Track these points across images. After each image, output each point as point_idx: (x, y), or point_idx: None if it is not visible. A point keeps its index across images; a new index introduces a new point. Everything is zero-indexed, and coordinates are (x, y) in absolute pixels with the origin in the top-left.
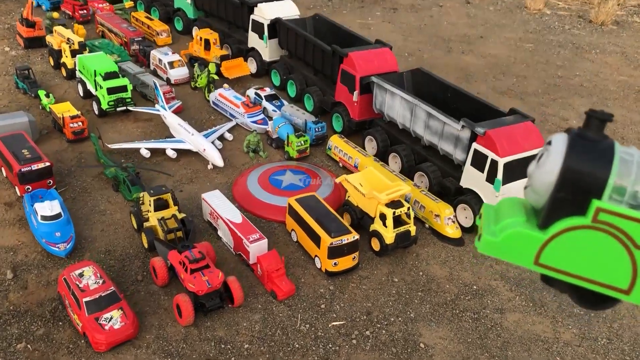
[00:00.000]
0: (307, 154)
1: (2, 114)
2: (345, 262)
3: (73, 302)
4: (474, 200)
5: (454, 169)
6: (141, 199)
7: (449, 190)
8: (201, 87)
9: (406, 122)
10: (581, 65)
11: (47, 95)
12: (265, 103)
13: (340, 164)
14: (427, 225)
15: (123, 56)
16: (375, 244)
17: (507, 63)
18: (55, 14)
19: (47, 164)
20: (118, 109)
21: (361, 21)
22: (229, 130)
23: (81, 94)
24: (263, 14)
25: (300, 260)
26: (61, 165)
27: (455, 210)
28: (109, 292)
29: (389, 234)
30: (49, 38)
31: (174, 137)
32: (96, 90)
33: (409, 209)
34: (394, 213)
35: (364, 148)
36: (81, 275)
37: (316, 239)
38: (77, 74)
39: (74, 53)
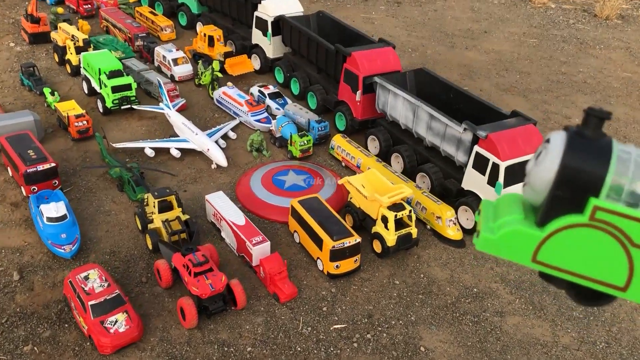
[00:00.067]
0: (310, 154)
1: (7, 113)
2: (347, 264)
3: (79, 305)
4: (475, 202)
5: (456, 171)
6: (145, 200)
7: (451, 191)
8: (205, 85)
9: (408, 122)
10: (585, 61)
11: (52, 93)
12: (268, 101)
13: (343, 164)
14: (428, 227)
15: (127, 52)
16: (377, 246)
17: (511, 59)
18: (60, 9)
19: (53, 164)
20: (122, 108)
21: (365, 15)
22: (233, 129)
23: (86, 92)
24: (267, 11)
25: (303, 262)
26: (66, 165)
27: (456, 212)
28: (113, 295)
29: (391, 237)
30: (53, 34)
31: (178, 136)
32: (101, 88)
33: (410, 211)
34: (395, 216)
35: (366, 147)
36: (86, 278)
37: (318, 242)
38: (82, 71)
39: (78, 50)
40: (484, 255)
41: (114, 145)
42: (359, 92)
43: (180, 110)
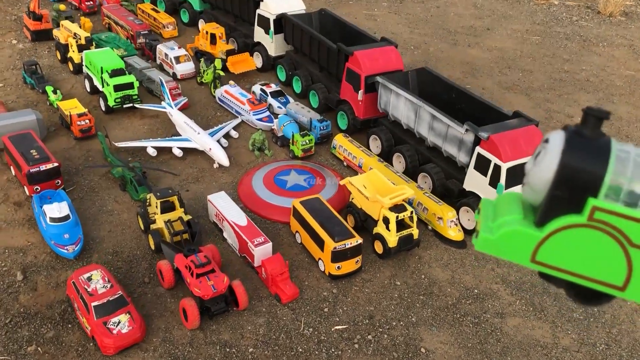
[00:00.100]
0: (312, 153)
1: (10, 112)
2: (349, 265)
3: (82, 305)
4: (477, 203)
5: (458, 171)
6: (148, 200)
7: (452, 192)
8: (207, 83)
9: (410, 122)
10: (588, 59)
11: (55, 92)
12: (270, 99)
13: (345, 163)
14: (430, 227)
15: (129, 50)
16: (378, 247)
17: (513, 57)
18: (62, 6)
19: (56, 164)
20: (125, 106)
21: (367, 12)
22: (235, 128)
23: (88, 90)
24: (269, 8)
25: (304, 262)
26: (69, 164)
27: (458, 213)
28: (116, 296)
29: (392, 238)
30: (55, 32)
31: (180, 134)
32: (103, 86)
33: (412, 212)
34: (397, 217)
35: (368, 147)
36: (89, 279)
37: (320, 243)
38: (84, 69)
39: (80, 48)
40: (485, 256)
41: (116, 144)
42: (361, 92)
43: (183, 109)
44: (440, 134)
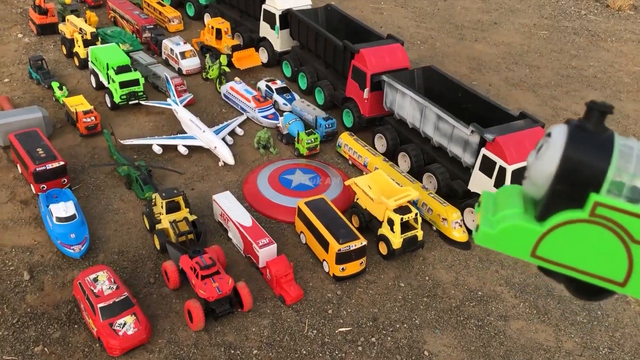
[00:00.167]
0: (317, 151)
1: (16, 108)
2: (353, 267)
3: (88, 306)
4: None
5: (463, 172)
6: (153, 200)
7: (457, 193)
8: (212, 79)
9: (416, 122)
10: (596, 55)
11: (61, 88)
12: (276, 96)
13: (350, 162)
14: (434, 228)
15: (135, 45)
16: (383, 248)
17: (521, 52)
18: (68, 0)
19: (62, 163)
20: (130, 103)
21: (373, 5)
22: (240, 125)
23: (94, 85)
24: (275, 4)
25: (309, 263)
26: (75, 161)
27: (462, 214)
28: (122, 297)
29: (397, 239)
30: (61, 27)
31: (185, 132)
32: (109, 83)
33: (416, 214)
34: (401, 219)
35: (373, 145)
36: (95, 280)
37: (324, 244)
38: (90, 65)
39: (86, 43)
40: (489, 257)
41: (122, 142)
42: (366, 90)
43: (188, 105)
44: (445, 134)
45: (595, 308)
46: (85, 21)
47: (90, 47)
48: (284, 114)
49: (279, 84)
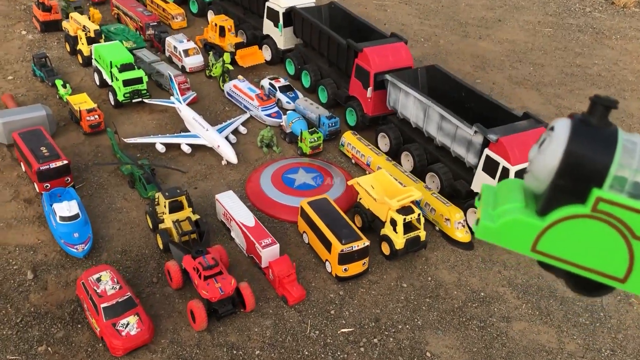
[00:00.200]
0: (320, 150)
1: (19, 107)
2: (355, 267)
3: (91, 306)
4: None
5: (466, 172)
6: (156, 199)
7: (460, 193)
8: (216, 77)
9: (419, 121)
10: (600, 53)
11: (64, 86)
12: (279, 94)
13: (353, 161)
14: (437, 228)
15: (138, 42)
16: (385, 249)
17: (525, 50)
18: None
19: (65, 162)
20: (134, 101)
21: (377, 2)
22: (243, 123)
23: (97, 83)
24: (278, 2)
25: (311, 263)
26: (78, 160)
27: (465, 214)
28: (125, 297)
29: (399, 240)
30: (65, 24)
31: (188, 130)
32: (112, 81)
33: (419, 214)
34: (404, 219)
35: (376, 144)
36: (99, 280)
37: (327, 244)
38: (94, 62)
39: (90, 41)
40: (492, 258)
41: (125, 140)
42: (370, 89)
43: (191, 103)
44: (449, 134)
45: (598, 309)
46: (89, 18)
47: (93, 44)
48: (287, 112)
49: (283, 82)
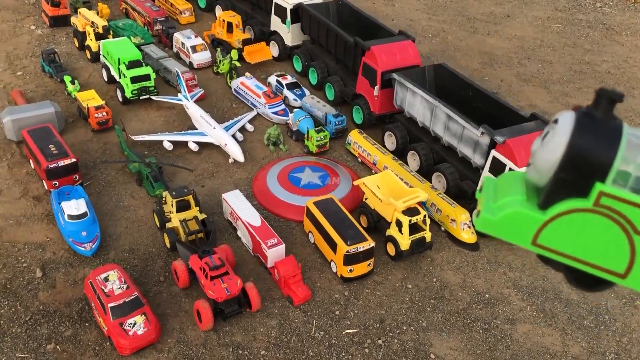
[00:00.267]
0: (327, 149)
1: (28, 104)
2: (361, 268)
3: (99, 305)
4: None
5: (472, 172)
6: (164, 198)
7: (466, 193)
8: (223, 73)
9: (426, 121)
10: (610, 49)
11: (73, 82)
12: (286, 92)
13: (359, 160)
14: (442, 229)
15: (146, 38)
16: (391, 249)
17: (533, 46)
18: None
19: (74, 159)
20: (141, 98)
21: None
22: (250, 121)
23: (105, 79)
24: None
25: (317, 263)
26: (86, 157)
27: (471, 215)
28: (132, 297)
29: (405, 241)
30: (73, 19)
31: (196, 127)
32: (120, 77)
33: (425, 216)
34: (410, 221)
35: (383, 143)
36: (106, 279)
37: (332, 245)
38: (102, 59)
39: (98, 36)
40: (497, 259)
41: (133, 138)
42: (377, 87)
43: (199, 100)
44: (455, 134)
45: (603, 312)
46: (97, 13)
47: (101, 40)
48: (294, 110)
49: (290, 79)
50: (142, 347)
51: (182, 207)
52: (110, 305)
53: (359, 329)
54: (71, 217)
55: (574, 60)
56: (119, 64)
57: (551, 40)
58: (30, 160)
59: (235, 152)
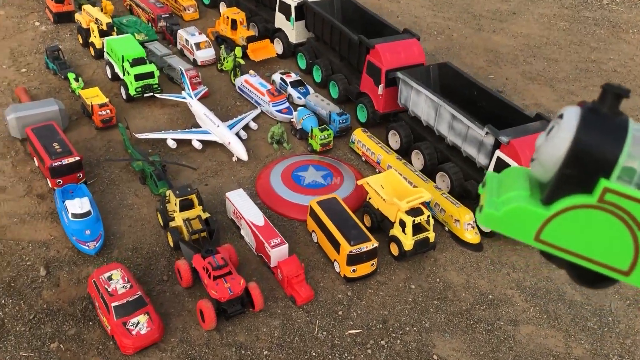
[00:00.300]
0: (331, 147)
1: (32, 101)
2: (364, 268)
3: (102, 305)
4: None
5: (477, 172)
6: (167, 197)
7: (470, 193)
8: (227, 71)
9: (430, 120)
10: (616, 47)
11: (77, 79)
12: (290, 89)
13: (363, 159)
14: (446, 229)
15: (150, 35)
16: (394, 249)
17: (539, 44)
18: None
19: (77, 158)
20: (145, 95)
21: None
22: (254, 119)
23: (109, 76)
24: None
25: (320, 262)
26: (90, 155)
27: (475, 215)
28: (136, 296)
29: (408, 241)
30: (77, 16)
31: (199, 126)
32: (124, 75)
33: (428, 216)
34: (413, 221)
35: (387, 141)
36: (110, 278)
37: (336, 245)
38: (105, 56)
39: (102, 34)
40: (501, 260)
41: (136, 135)
42: (381, 86)
43: (203, 98)
44: (460, 133)
45: (607, 314)
46: (101, 10)
47: (105, 37)
48: (298, 108)
49: (294, 77)
50: (145, 346)
51: (186, 206)
52: (113, 304)
53: (362, 330)
54: (75, 215)
55: (579, 58)
56: (123, 61)
57: (557, 37)
58: (34, 158)
59: (239, 151)
